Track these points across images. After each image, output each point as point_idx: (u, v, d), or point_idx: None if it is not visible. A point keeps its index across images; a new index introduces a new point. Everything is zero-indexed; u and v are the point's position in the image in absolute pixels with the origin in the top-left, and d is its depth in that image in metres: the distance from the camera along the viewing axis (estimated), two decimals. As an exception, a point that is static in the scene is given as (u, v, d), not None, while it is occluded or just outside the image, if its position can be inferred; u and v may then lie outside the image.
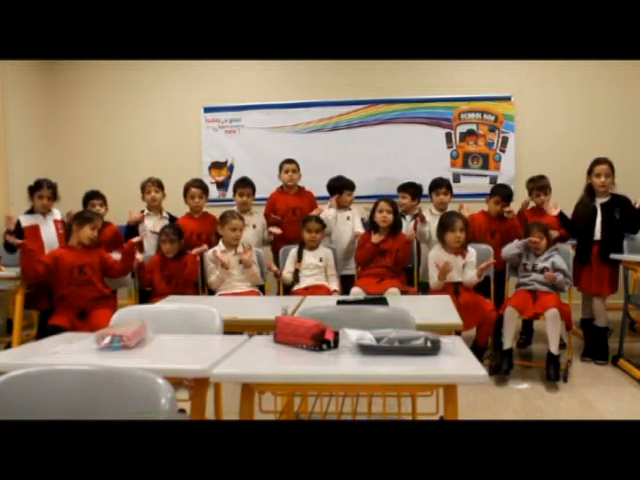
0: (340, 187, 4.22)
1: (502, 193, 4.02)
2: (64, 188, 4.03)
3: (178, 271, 3.66)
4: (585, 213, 3.77)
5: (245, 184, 4.22)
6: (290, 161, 4.33)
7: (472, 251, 3.62)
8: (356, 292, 3.52)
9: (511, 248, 3.65)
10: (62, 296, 3.29)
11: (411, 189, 4.29)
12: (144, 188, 4.14)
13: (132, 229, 4.01)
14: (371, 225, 3.87)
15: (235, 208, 4.10)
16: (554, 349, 3.28)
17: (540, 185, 4.04)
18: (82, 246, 3.35)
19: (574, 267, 3.74)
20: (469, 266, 3.57)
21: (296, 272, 3.76)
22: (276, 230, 4.13)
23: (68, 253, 3.33)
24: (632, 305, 3.90)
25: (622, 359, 3.58)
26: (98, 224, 3.41)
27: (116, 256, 3.64)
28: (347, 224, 4.18)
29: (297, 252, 3.80)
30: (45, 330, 3.12)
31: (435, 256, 3.61)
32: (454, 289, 3.49)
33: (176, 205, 4.26)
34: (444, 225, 3.62)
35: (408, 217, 4.41)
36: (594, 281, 3.71)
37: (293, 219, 4.19)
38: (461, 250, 3.59)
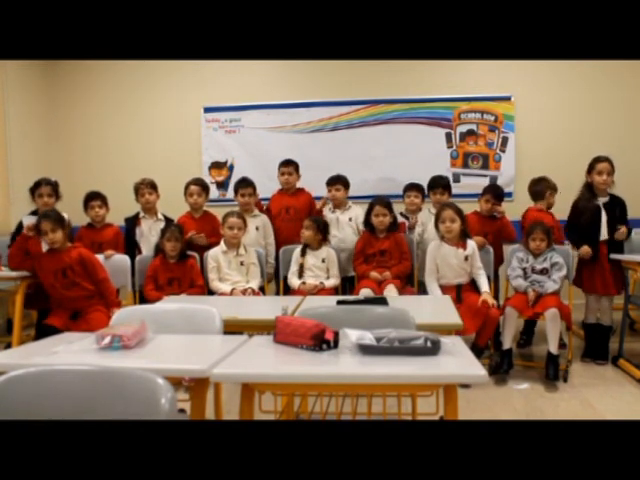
0: (330, 180, 4.21)
1: (493, 192, 4.04)
2: (64, 188, 4.02)
3: (182, 274, 3.63)
4: (589, 212, 3.69)
5: (246, 184, 4.20)
6: (287, 164, 4.30)
7: (471, 243, 3.57)
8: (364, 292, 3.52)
9: (513, 272, 3.58)
10: (54, 299, 3.30)
11: (420, 188, 4.28)
12: (137, 190, 4.09)
13: (131, 231, 4.04)
14: (367, 228, 3.86)
15: (237, 209, 4.09)
16: (553, 349, 3.27)
17: (553, 185, 4.02)
18: (56, 250, 3.28)
19: (578, 268, 3.73)
20: (473, 264, 3.55)
21: (301, 267, 3.76)
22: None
23: (47, 258, 3.30)
24: (632, 305, 3.90)
25: (622, 359, 3.58)
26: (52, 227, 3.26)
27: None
28: (350, 225, 4.15)
29: (300, 251, 3.79)
30: (40, 329, 3.13)
31: (433, 250, 3.58)
32: (456, 293, 3.45)
33: (176, 205, 4.25)
34: (436, 217, 3.62)
35: (411, 217, 4.40)
36: (600, 282, 3.66)
37: (286, 217, 4.24)
38: (461, 242, 3.55)
